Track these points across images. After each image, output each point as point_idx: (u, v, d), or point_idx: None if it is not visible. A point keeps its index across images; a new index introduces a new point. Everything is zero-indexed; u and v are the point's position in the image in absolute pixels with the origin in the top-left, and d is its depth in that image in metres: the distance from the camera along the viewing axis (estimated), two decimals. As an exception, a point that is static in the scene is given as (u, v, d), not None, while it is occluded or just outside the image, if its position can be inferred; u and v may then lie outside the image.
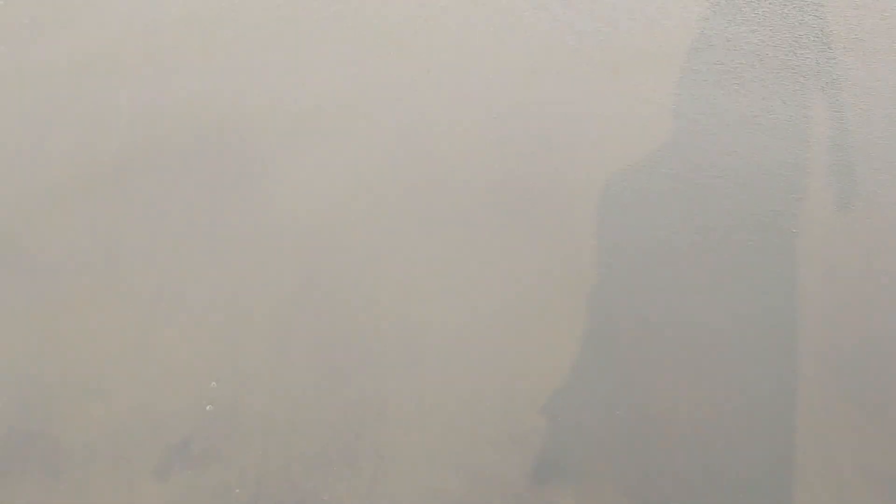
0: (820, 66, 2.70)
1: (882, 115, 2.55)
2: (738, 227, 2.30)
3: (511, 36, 2.97)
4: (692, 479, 1.81)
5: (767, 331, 2.07)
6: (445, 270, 2.26)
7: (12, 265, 2.35)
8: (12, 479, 1.89)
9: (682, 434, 1.89)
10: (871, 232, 2.25)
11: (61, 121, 2.78)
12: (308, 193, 2.49)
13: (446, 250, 2.31)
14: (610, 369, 2.01)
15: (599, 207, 2.39)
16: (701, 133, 2.55)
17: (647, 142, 2.55)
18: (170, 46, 3.02)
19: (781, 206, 2.34)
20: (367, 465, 1.88)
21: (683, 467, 1.83)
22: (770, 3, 2.85)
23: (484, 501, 1.81)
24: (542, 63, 2.85)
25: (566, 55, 2.87)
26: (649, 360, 2.03)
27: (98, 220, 2.45)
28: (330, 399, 2.00)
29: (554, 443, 1.89)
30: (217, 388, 2.06)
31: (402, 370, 2.05)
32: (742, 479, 1.81)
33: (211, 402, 2.04)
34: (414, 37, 2.98)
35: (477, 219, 2.38)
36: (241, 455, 1.91)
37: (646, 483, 1.81)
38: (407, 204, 2.44)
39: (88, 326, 2.18)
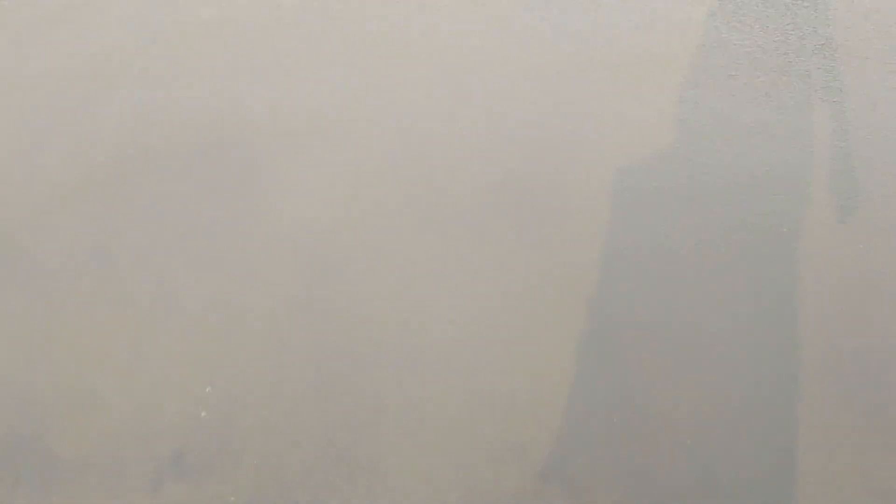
0: (820, 71, 2.68)
1: (882, 119, 2.54)
2: (737, 229, 2.29)
3: (510, 40, 2.95)
4: (692, 487, 1.81)
5: (768, 336, 2.06)
6: (445, 277, 2.25)
7: (8, 269, 2.33)
8: (4, 489, 1.87)
9: (680, 440, 1.88)
10: (870, 235, 2.25)
11: (60, 124, 2.76)
12: (307, 198, 2.47)
13: (445, 256, 2.30)
14: (608, 374, 2.01)
15: (599, 211, 2.37)
16: (700, 136, 2.54)
17: (646, 144, 2.53)
18: (170, 51, 2.99)
19: (780, 208, 2.33)
20: (363, 477, 1.87)
21: (682, 474, 1.83)
22: (771, 8, 2.83)
23: (481, 513, 1.81)
24: (540, 67, 2.82)
25: (565, 58, 2.84)
26: (649, 363, 2.03)
27: (96, 224, 2.43)
28: (326, 408, 1.99)
29: (552, 452, 1.88)
30: (212, 393, 2.05)
31: (400, 379, 2.04)
32: (741, 485, 1.81)
33: (206, 408, 2.03)
34: (413, 40, 2.95)
35: (476, 224, 2.37)
36: (235, 466, 1.90)
37: (644, 489, 1.81)
38: (406, 208, 2.42)
39: (84, 333, 2.16)
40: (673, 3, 2.97)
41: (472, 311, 2.16)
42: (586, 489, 1.82)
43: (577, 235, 2.31)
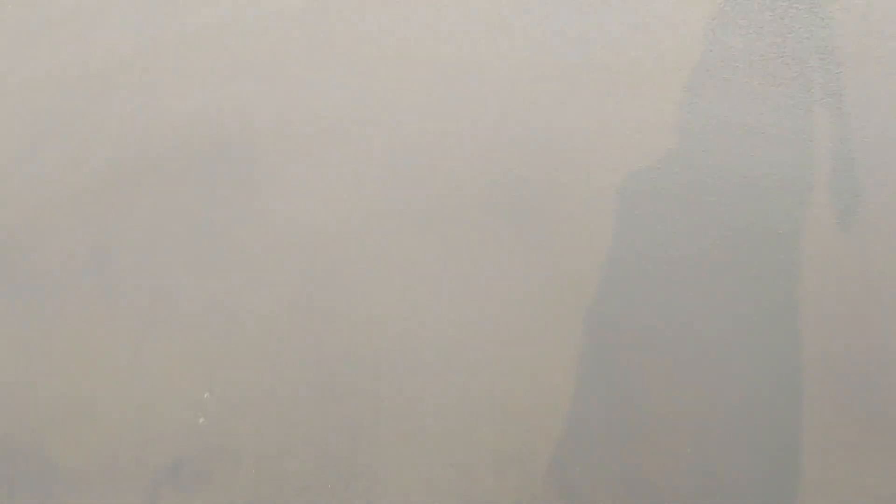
0: (818, 74, 2.68)
1: (881, 121, 2.53)
2: (735, 231, 2.28)
3: (512, 47, 2.94)
4: (691, 493, 1.81)
5: (768, 341, 2.06)
6: (444, 282, 2.24)
7: (6, 275, 2.32)
8: (1, 497, 1.86)
9: (680, 447, 1.88)
10: (870, 238, 2.25)
11: (60, 129, 2.75)
12: (305, 203, 2.46)
13: (445, 262, 2.29)
14: (608, 379, 2.00)
15: (598, 215, 2.37)
16: (698, 139, 2.53)
17: (644, 148, 2.53)
18: (171, 56, 2.98)
19: (779, 211, 2.33)
20: (361, 484, 1.86)
21: (682, 481, 1.83)
22: (768, 12, 2.82)
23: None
24: (539, 71, 2.82)
25: (564, 62, 2.84)
26: (648, 368, 2.02)
27: (94, 230, 2.42)
28: (324, 415, 1.99)
29: (552, 458, 1.88)
30: (210, 398, 2.04)
31: (398, 385, 2.03)
32: (741, 492, 1.80)
33: (204, 414, 2.02)
34: (413, 45, 2.94)
35: (475, 229, 2.36)
36: (233, 475, 1.89)
37: (643, 495, 1.81)
38: (406, 214, 2.41)
39: (82, 339, 2.15)
40: (670, 7, 2.97)
41: (471, 316, 2.15)
42: (585, 495, 1.81)
43: (576, 240, 2.31)
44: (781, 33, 2.82)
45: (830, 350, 2.03)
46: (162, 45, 3.04)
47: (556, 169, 2.50)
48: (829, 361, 2.00)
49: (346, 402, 2.00)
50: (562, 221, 2.36)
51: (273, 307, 2.21)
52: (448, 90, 2.78)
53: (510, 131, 2.63)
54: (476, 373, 2.04)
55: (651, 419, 1.93)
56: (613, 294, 2.17)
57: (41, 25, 3.15)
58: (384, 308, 2.19)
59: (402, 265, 2.29)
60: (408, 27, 3.01)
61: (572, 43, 2.89)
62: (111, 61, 2.99)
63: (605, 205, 2.40)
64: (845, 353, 2.02)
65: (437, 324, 2.15)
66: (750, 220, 2.32)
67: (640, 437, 1.90)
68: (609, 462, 1.86)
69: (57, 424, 1.99)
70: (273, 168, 2.57)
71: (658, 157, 2.50)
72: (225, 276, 2.29)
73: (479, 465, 1.87)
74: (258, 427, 1.97)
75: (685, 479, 1.83)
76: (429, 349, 2.10)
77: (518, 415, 1.96)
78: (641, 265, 2.23)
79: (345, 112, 2.73)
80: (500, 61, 2.86)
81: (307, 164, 2.58)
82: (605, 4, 3.02)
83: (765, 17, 2.88)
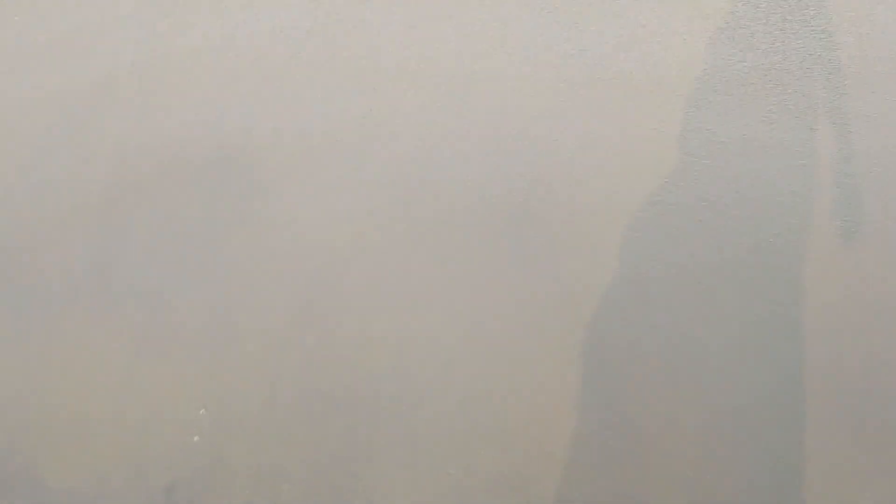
0: (820, 91, 2.68)
1: (885, 139, 2.53)
2: (734, 249, 2.27)
3: (511, 61, 2.93)
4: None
5: (772, 362, 2.05)
6: (445, 303, 2.22)
7: (1, 293, 2.31)
8: (-6, 519, 1.85)
9: (681, 470, 1.87)
10: (872, 256, 2.24)
11: (61, 146, 2.74)
12: (305, 222, 2.45)
13: (446, 282, 2.26)
14: (608, 401, 1.99)
15: (597, 233, 2.36)
16: (696, 155, 2.53)
17: (645, 162, 2.52)
18: (174, 74, 2.97)
19: (778, 228, 2.32)
20: (357, 505, 1.86)
21: None
22: (770, 27, 2.83)
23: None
24: (541, 88, 2.81)
25: (562, 76, 2.83)
26: (649, 389, 2.01)
27: (92, 247, 2.41)
28: (320, 441, 1.97)
29: (550, 482, 1.87)
30: (205, 415, 2.03)
31: (396, 407, 2.02)
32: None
33: (199, 432, 2.01)
34: (409, 59, 2.94)
35: (478, 248, 2.33)
36: (226, 497, 1.88)
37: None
38: (407, 233, 2.39)
39: (76, 358, 2.14)
40: (670, 22, 2.96)
41: (470, 339, 2.13)
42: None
43: (578, 256, 2.29)
44: (779, 47, 2.82)
45: (833, 368, 2.02)
46: (162, 60, 3.03)
47: (558, 185, 2.50)
48: (833, 380, 1.99)
49: (342, 421, 1.99)
50: (563, 237, 2.35)
51: (270, 323, 2.20)
52: (447, 104, 2.78)
53: (510, 145, 2.62)
54: (474, 397, 2.02)
55: (652, 440, 1.92)
56: (616, 313, 2.16)
57: (43, 40, 3.15)
58: (383, 326, 2.17)
59: (401, 282, 2.27)
60: (407, 41, 3.01)
61: (571, 57, 2.89)
62: (112, 76, 2.99)
63: (604, 222, 2.39)
64: (849, 369, 2.01)
65: (437, 342, 2.13)
66: (749, 236, 2.31)
67: (640, 459, 1.89)
68: (608, 486, 1.85)
69: (50, 444, 1.98)
70: (272, 185, 2.56)
71: (657, 170, 2.49)
72: (222, 292, 2.28)
73: (477, 490, 1.86)
74: (253, 446, 1.96)
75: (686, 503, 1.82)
76: (427, 368, 2.08)
77: (517, 438, 1.94)
78: (642, 284, 2.22)
79: (344, 127, 2.72)
80: (500, 75, 2.85)
81: (306, 181, 2.57)
82: (603, 18, 3.02)
83: (762, 30, 2.88)
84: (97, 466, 1.93)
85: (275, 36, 3.13)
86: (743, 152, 2.52)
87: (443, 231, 2.39)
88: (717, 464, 1.88)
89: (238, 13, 3.18)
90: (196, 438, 2.01)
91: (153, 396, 2.07)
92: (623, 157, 2.55)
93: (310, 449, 1.95)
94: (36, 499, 1.88)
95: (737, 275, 2.23)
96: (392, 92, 2.82)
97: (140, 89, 2.94)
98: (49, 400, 2.06)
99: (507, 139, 2.63)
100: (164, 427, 2.01)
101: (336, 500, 1.86)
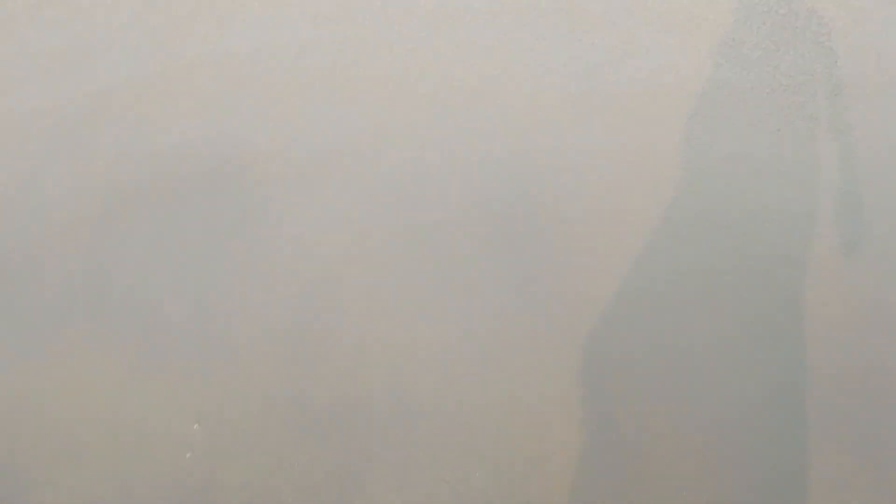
0: (826, 109, 2.64)
1: (889, 156, 2.48)
2: (737, 264, 2.23)
3: (511, 77, 2.93)
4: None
5: (774, 375, 2.00)
6: (441, 320, 2.19)
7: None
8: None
9: (681, 482, 1.82)
10: (876, 271, 2.18)
11: (59, 160, 2.76)
12: (301, 238, 2.44)
13: (440, 300, 2.24)
14: (607, 415, 1.95)
15: (599, 248, 2.33)
16: (700, 172, 2.49)
17: (646, 179, 2.49)
18: (173, 89, 2.99)
19: (782, 244, 2.27)
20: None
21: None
22: (777, 45, 2.82)
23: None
24: (541, 104, 2.80)
25: (561, 93, 2.82)
26: (648, 404, 1.96)
27: (89, 260, 2.41)
28: (314, 454, 1.94)
29: (544, 493, 1.82)
30: (199, 430, 2.01)
31: (391, 426, 1.98)
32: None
33: (191, 449, 1.99)
34: (413, 78, 2.94)
35: (475, 264, 2.31)
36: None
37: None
38: (403, 250, 2.38)
39: (69, 383, 2.13)
40: (674, 38, 2.95)
41: (464, 358, 2.10)
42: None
43: (577, 269, 2.26)
44: (788, 68, 2.78)
45: (831, 378, 1.97)
46: (162, 74, 3.05)
47: (555, 197, 2.47)
48: (836, 393, 1.94)
49: (336, 438, 1.96)
50: (560, 249, 2.32)
51: (265, 339, 2.18)
52: (445, 117, 2.77)
53: (507, 158, 2.60)
54: (472, 402, 2.00)
55: (648, 450, 1.88)
56: (613, 324, 2.13)
57: (42, 54, 3.18)
58: (378, 342, 2.15)
59: (396, 298, 2.25)
60: (405, 56, 3.02)
61: (571, 73, 2.88)
62: (111, 90, 3.01)
63: (607, 238, 2.35)
64: (847, 378, 1.96)
65: (432, 358, 2.10)
66: (753, 253, 2.27)
67: (635, 469, 1.85)
68: (602, 493, 1.81)
69: (41, 463, 1.96)
70: (268, 201, 2.55)
71: (660, 189, 2.46)
72: (216, 307, 2.27)
73: (472, 498, 1.82)
74: (246, 463, 1.94)
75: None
76: (422, 385, 2.05)
77: (513, 457, 1.90)
78: (642, 294, 2.18)
79: (343, 142, 2.72)
80: (500, 91, 2.85)
81: (303, 197, 2.56)
82: (601, 34, 3.00)
83: (774, 48, 2.86)
84: (88, 486, 1.91)
85: (272, 50, 3.14)
86: (739, 165, 2.48)
87: (440, 244, 2.37)
88: (713, 477, 1.83)
89: (235, 28, 3.20)
90: (188, 455, 1.98)
91: (146, 411, 2.06)
92: (620, 170, 2.52)
93: (303, 464, 1.92)
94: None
95: (735, 287, 2.19)
96: (393, 107, 2.82)
97: (138, 103, 2.96)
98: (42, 416, 2.05)
99: (504, 153, 2.62)
100: (158, 438, 1.99)
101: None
